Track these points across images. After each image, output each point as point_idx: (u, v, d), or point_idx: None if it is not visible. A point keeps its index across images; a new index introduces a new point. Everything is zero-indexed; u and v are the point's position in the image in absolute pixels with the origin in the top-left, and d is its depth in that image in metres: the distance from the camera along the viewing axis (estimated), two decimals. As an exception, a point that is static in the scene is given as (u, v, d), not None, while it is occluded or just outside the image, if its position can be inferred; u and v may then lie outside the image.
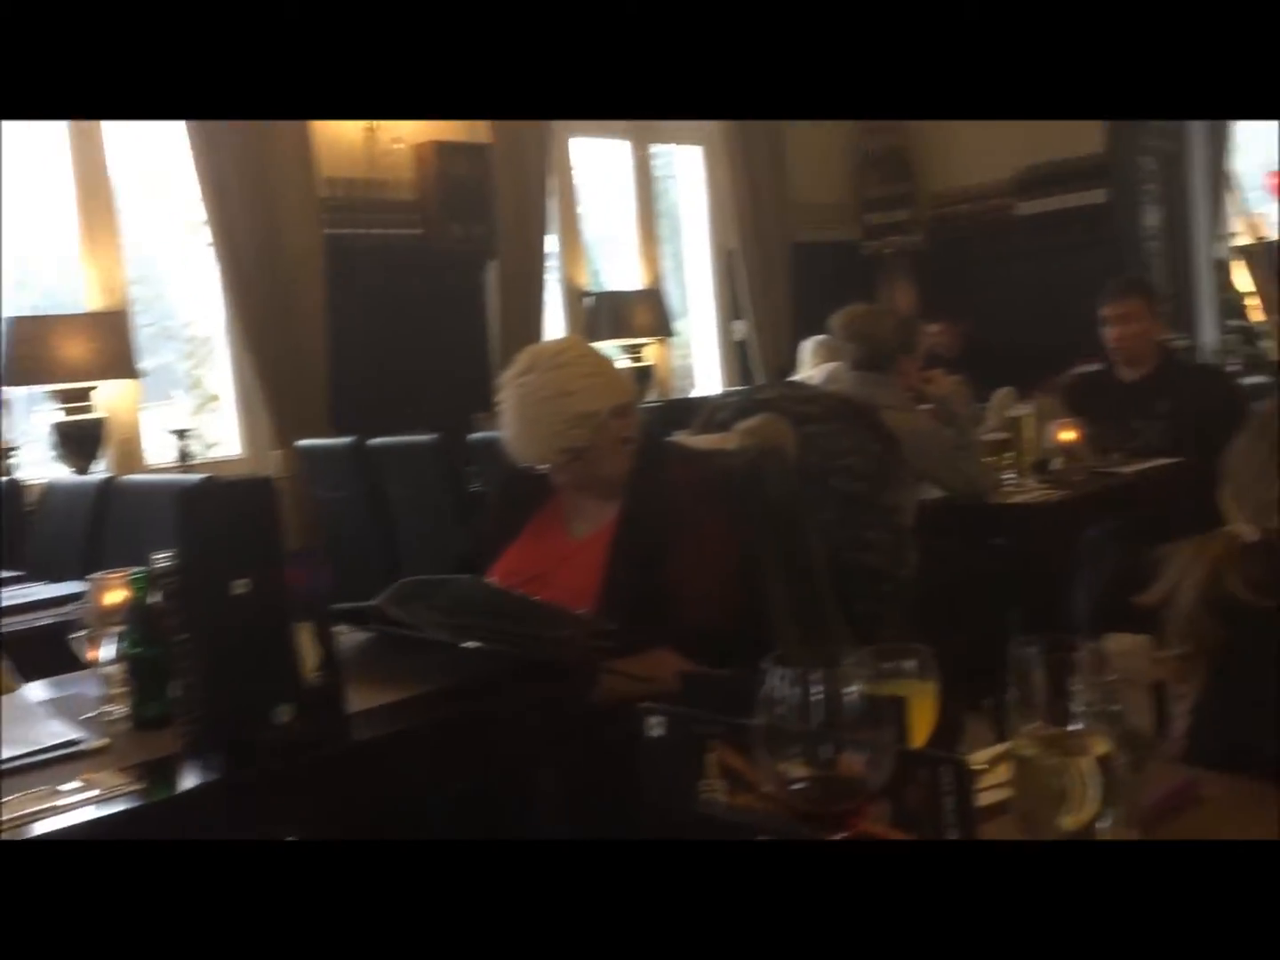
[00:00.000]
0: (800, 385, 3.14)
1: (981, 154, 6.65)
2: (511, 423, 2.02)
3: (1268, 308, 7.01)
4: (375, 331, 4.96)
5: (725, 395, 4.10)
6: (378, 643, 1.73)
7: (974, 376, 5.23)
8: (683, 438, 2.55)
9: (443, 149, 5.19)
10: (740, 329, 6.43)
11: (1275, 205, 10.75)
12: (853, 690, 0.84)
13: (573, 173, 5.87)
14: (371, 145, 5.05)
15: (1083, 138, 6.12)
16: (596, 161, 6.28)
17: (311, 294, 4.71)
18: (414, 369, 4.98)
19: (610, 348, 5.63)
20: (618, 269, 6.50)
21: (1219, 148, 6.46)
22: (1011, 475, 3.26)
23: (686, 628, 1.89)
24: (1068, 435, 3.20)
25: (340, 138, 4.93)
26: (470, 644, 1.57)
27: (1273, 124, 11.47)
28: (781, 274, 6.39)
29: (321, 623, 1.47)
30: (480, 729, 1.49)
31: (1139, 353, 3.54)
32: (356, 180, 5.03)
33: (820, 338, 5.65)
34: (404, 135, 5.10)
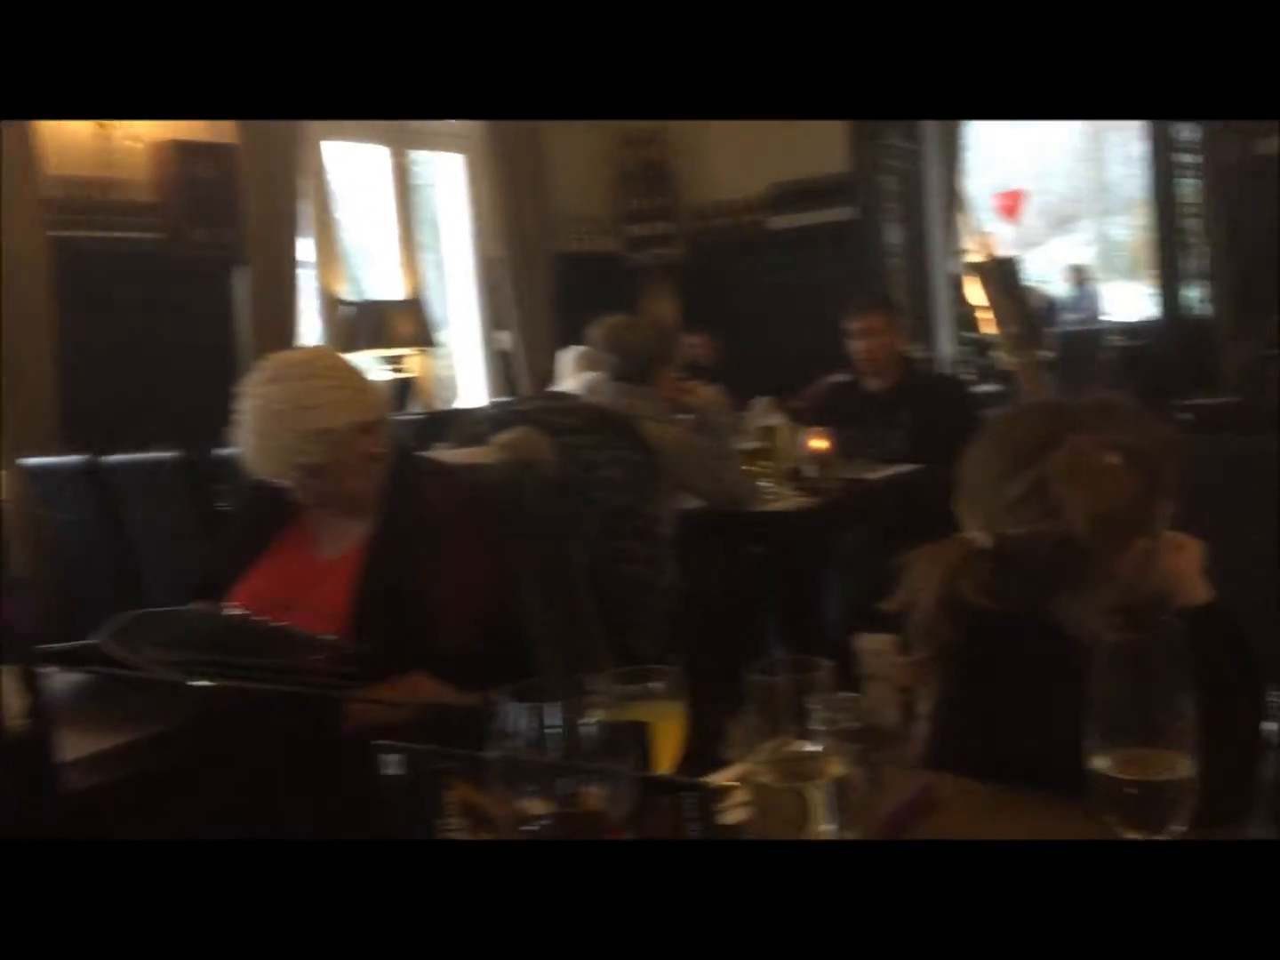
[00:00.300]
0: (559, 397, 3.11)
1: (736, 169, 6.85)
2: (246, 435, 1.90)
3: (998, 321, 7.51)
4: (111, 342, 4.64)
5: (482, 408, 4.04)
6: (96, 684, 1.59)
7: (733, 386, 5.39)
8: (438, 453, 2.47)
9: (185, 149, 4.91)
10: (503, 339, 6.38)
11: (1002, 224, 11.58)
12: (591, 720, 0.80)
13: (327, 177, 5.67)
14: (104, 143, 4.72)
15: (829, 157, 6.39)
16: (354, 167, 6.10)
17: (37, 301, 4.36)
18: (155, 381, 4.69)
19: (369, 358, 5.47)
20: (378, 278, 6.34)
21: (951, 170, 6.87)
22: (768, 484, 3.33)
23: (442, 651, 1.83)
24: (819, 444, 3.31)
25: (69, 134, 4.59)
26: (201, 682, 1.45)
27: (1000, 147, 12.25)
28: (544, 284, 6.37)
29: (28, 664, 1.34)
30: (210, 772, 1.38)
31: (883, 365, 3.70)
32: (88, 180, 4.69)
33: (581, 348, 5.67)
34: (141, 133, 4.80)
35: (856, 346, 3.70)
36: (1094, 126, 12.35)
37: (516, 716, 0.79)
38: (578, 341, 5.83)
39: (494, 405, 2.83)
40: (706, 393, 3.29)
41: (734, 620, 3.05)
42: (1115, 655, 0.83)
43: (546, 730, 0.79)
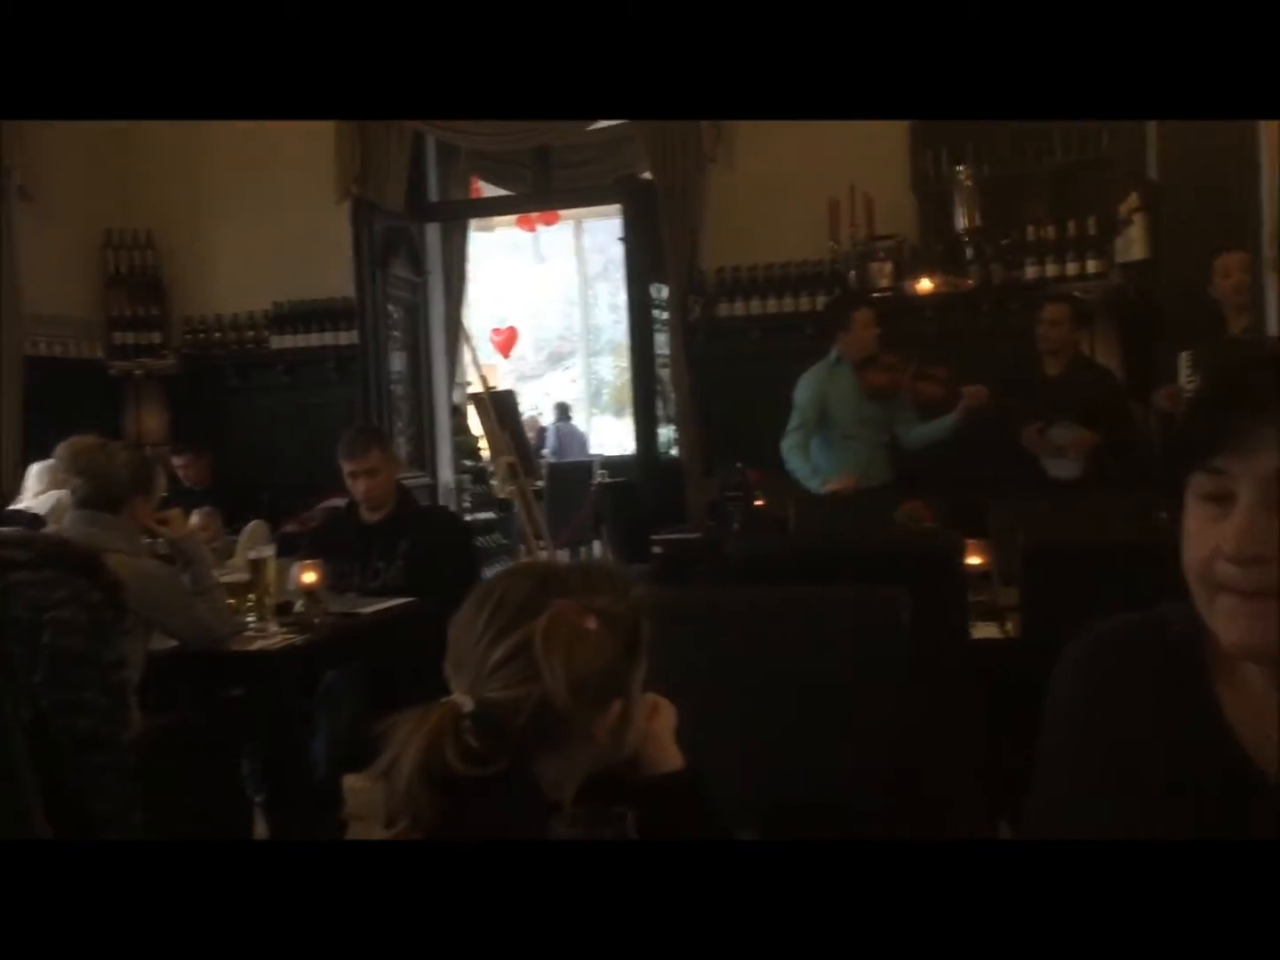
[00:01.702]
0: (7, 530, 2.78)
1: (236, 285, 6.65)
2: None
3: (494, 450, 7.82)
4: None
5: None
6: None
7: (224, 509, 5.13)
8: None
9: None
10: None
11: (499, 358, 12.16)
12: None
13: None
14: None
15: (334, 281, 6.39)
16: None
17: None
18: None
19: None
20: None
21: (455, 303, 7.13)
22: (253, 619, 3.17)
23: None
24: (309, 577, 3.21)
25: None
26: None
27: (500, 285, 12.88)
28: (10, 389, 5.75)
29: None
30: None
31: (380, 498, 3.69)
32: None
33: (48, 462, 5.16)
34: None
35: (354, 486, 3.66)
36: (583, 275, 13.41)
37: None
38: (48, 455, 5.32)
39: None
40: (183, 523, 3.09)
41: (210, 770, 2.84)
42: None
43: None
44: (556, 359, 15.32)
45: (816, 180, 5.65)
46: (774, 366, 5.20)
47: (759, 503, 4.90)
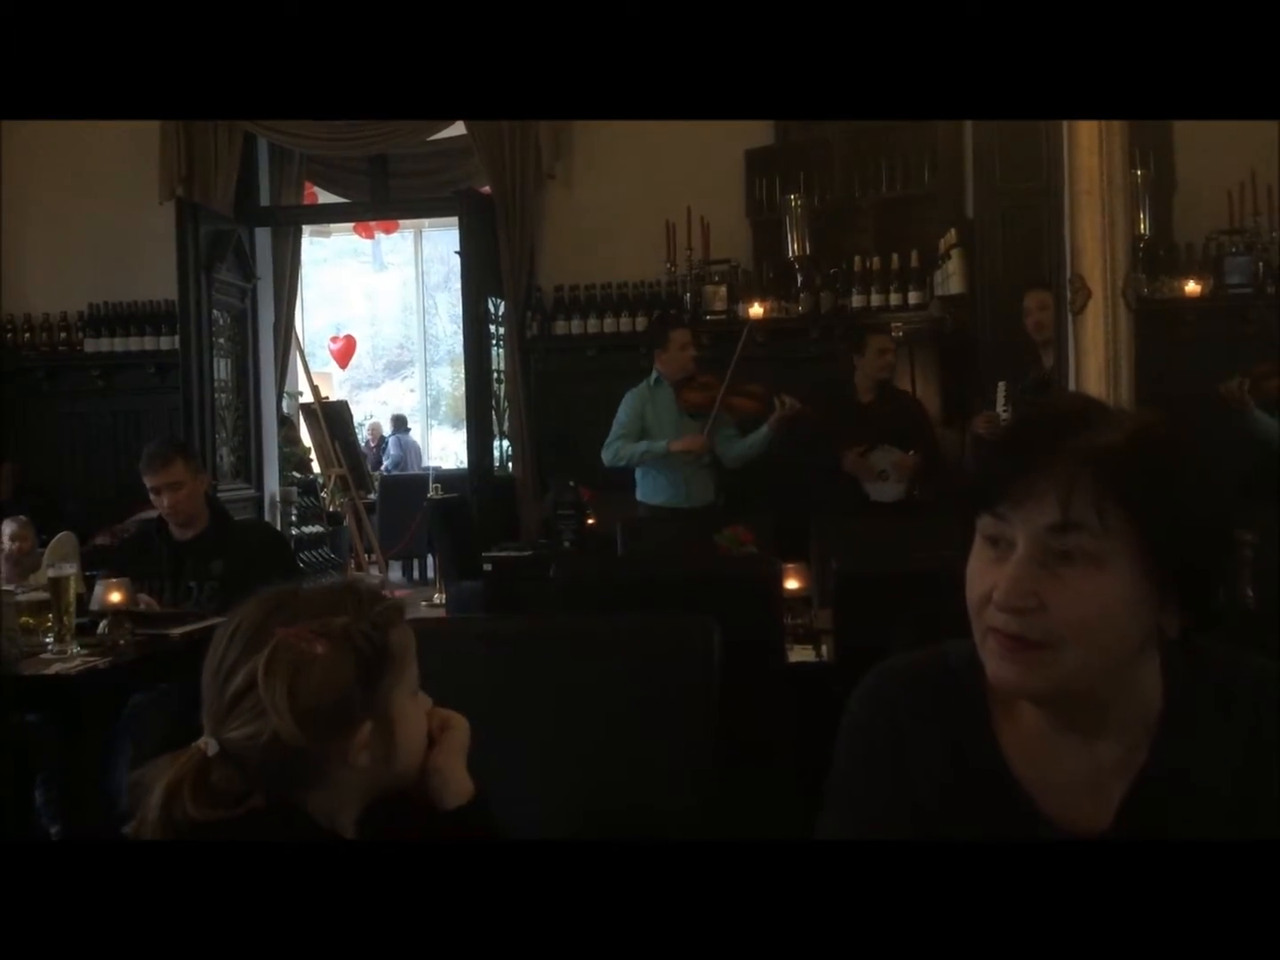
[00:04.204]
0: None
1: (50, 284, 6.33)
2: None
3: (324, 462, 7.64)
4: None
5: None
6: None
7: (35, 517, 4.86)
8: None
9: None
10: None
11: (335, 367, 11.91)
12: None
13: None
14: None
15: (153, 285, 6.14)
16: None
17: None
18: None
19: None
20: None
21: (286, 310, 6.94)
22: (51, 640, 3.00)
23: None
24: (114, 596, 3.06)
25: None
26: None
27: (338, 291, 12.64)
28: None
29: None
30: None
31: (190, 514, 3.55)
32: None
33: None
34: None
35: (159, 502, 3.52)
36: (422, 283, 13.25)
37: None
38: None
39: None
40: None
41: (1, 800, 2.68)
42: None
43: None
44: (395, 368, 15.09)
45: (654, 202, 5.71)
46: (610, 385, 5.23)
47: (591, 521, 4.91)
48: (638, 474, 4.79)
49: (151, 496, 3.55)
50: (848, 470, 4.50)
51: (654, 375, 4.80)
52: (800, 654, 2.74)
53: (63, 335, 6.33)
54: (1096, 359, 2.53)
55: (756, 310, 5.53)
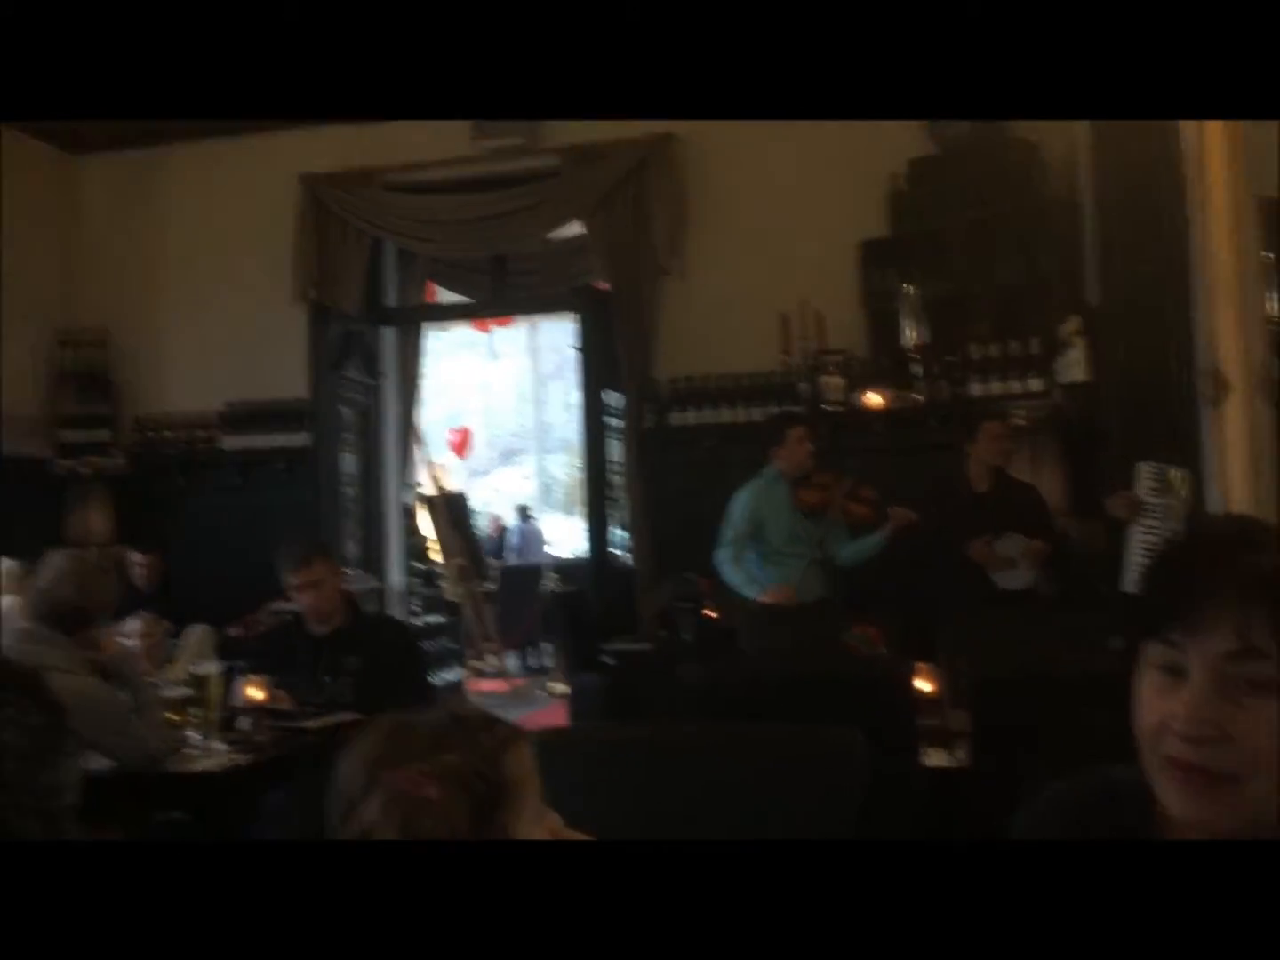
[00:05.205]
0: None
1: (187, 384, 6.63)
2: None
3: (445, 552, 7.79)
4: None
5: None
6: None
7: (170, 611, 5.04)
8: None
9: None
10: (-109, 547, 5.51)
11: (453, 457, 12.17)
12: None
13: None
14: None
15: (287, 383, 6.39)
16: None
17: None
18: None
19: None
20: None
21: (409, 405, 7.15)
22: (196, 735, 3.10)
23: None
24: (256, 694, 3.16)
25: None
26: None
27: (452, 384, 12.93)
28: (-49, 488, 5.66)
29: None
30: None
31: (328, 611, 3.65)
32: None
33: (5, 563, 5.05)
34: None
35: (299, 599, 3.62)
36: (537, 373, 13.54)
37: None
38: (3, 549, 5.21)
39: None
40: (117, 645, 3.03)
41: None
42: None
43: None
44: (508, 456, 15.38)
45: (769, 294, 5.78)
46: (726, 475, 5.24)
47: (710, 613, 4.91)
48: (748, 565, 4.73)
49: (291, 593, 3.66)
50: (975, 559, 4.42)
51: (770, 472, 4.78)
52: (935, 757, 2.68)
53: (201, 433, 6.60)
54: (1239, 455, 2.46)
55: (874, 399, 5.52)
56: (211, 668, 3.17)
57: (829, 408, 5.59)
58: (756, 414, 5.75)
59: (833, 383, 5.63)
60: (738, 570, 4.63)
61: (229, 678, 3.32)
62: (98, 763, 2.78)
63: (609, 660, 4.79)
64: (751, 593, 4.57)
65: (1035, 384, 5.30)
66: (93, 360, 6.60)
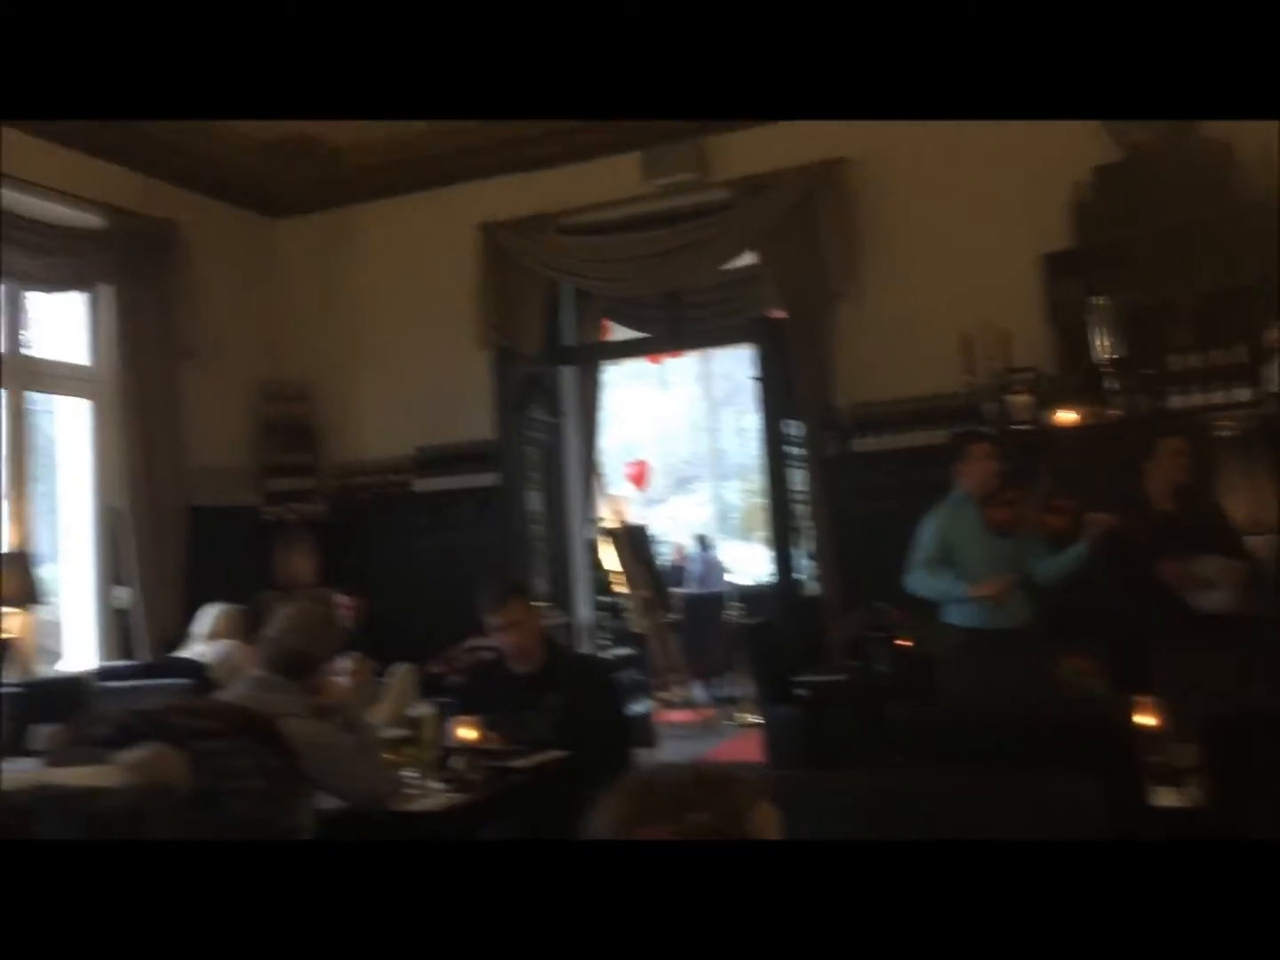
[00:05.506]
0: (192, 698, 2.90)
1: (382, 430, 6.92)
2: None
3: (629, 585, 7.88)
4: None
5: (107, 713, 3.69)
6: None
7: (372, 649, 5.25)
8: (48, 772, 2.22)
9: None
10: (122, 596, 5.92)
11: (632, 490, 12.32)
12: None
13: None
14: None
15: (475, 425, 6.60)
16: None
17: None
18: None
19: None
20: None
21: (589, 442, 7.29)
22: (413, 775, 3.22)
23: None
24: (470, 734, 3.26)
25: None
26: None
27: (627, 414, 13.10)
28: (174, 538, 6.04)
29: None
30: None
31: (528, 650, 3.74)
32: None
33: (226, 607, 5.38)
34: None
35: (502, 640, 3.72)
36: (710, 402, 13.59)
37: None
38: (206, 598, 5.55)
39: (129, 711, 2.53)
40: (343, 688, 3.18)
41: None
42: None
43: None
44: (682, 484, 15.47)
45: (948, 313, 5.67)
46: (913, 500, 5.14)
47: (903, 642, 4.82)
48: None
49: (491, 634, 3.77)
50: (1167, 581, 4.22)
51: (957, 493, 4.67)
52: (1164, 797, 2.56)
53: (394, 477, 6.87)
54: None
55: (1065, 417, 5.34)
56: (426, 709, 3.29)
57: (1017, 427, 5.43)
58: (941, 437, 5.63)
59: (1021, 401, 5.47)
60: (935, 579, 4.51)
61: (440, 717, 3.45)
62: (328, 803, 2.92)
63: (801, 692, 4.75)
64: (958, 593, 4.44)
65: (1242, 394, 5.04)
66: (295, 411, 6.96)
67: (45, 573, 5.55)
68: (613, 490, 8.60)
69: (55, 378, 5.93)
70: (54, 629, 5.90)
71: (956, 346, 5.61)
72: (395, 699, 4.48)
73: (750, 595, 8.21)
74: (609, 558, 7.95)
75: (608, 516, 8.01)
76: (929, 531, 4.60)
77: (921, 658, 4.58)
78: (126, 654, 5.76)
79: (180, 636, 5.61)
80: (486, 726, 3.51)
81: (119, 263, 5.93)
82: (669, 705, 7.90)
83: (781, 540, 6.08)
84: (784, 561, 6.07)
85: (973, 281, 5.70)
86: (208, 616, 5.35)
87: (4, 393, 5.57)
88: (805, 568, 6.19)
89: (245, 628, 5.43)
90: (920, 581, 4.54)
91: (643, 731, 6.39)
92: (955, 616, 4.54)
